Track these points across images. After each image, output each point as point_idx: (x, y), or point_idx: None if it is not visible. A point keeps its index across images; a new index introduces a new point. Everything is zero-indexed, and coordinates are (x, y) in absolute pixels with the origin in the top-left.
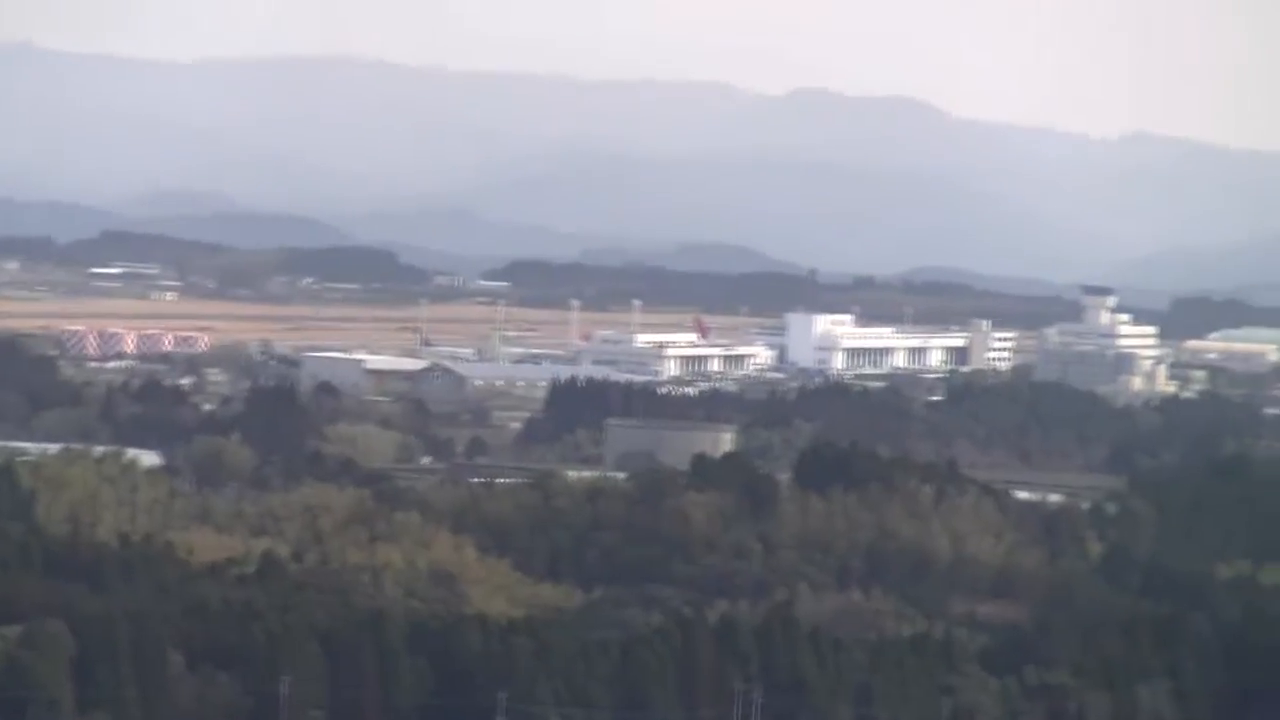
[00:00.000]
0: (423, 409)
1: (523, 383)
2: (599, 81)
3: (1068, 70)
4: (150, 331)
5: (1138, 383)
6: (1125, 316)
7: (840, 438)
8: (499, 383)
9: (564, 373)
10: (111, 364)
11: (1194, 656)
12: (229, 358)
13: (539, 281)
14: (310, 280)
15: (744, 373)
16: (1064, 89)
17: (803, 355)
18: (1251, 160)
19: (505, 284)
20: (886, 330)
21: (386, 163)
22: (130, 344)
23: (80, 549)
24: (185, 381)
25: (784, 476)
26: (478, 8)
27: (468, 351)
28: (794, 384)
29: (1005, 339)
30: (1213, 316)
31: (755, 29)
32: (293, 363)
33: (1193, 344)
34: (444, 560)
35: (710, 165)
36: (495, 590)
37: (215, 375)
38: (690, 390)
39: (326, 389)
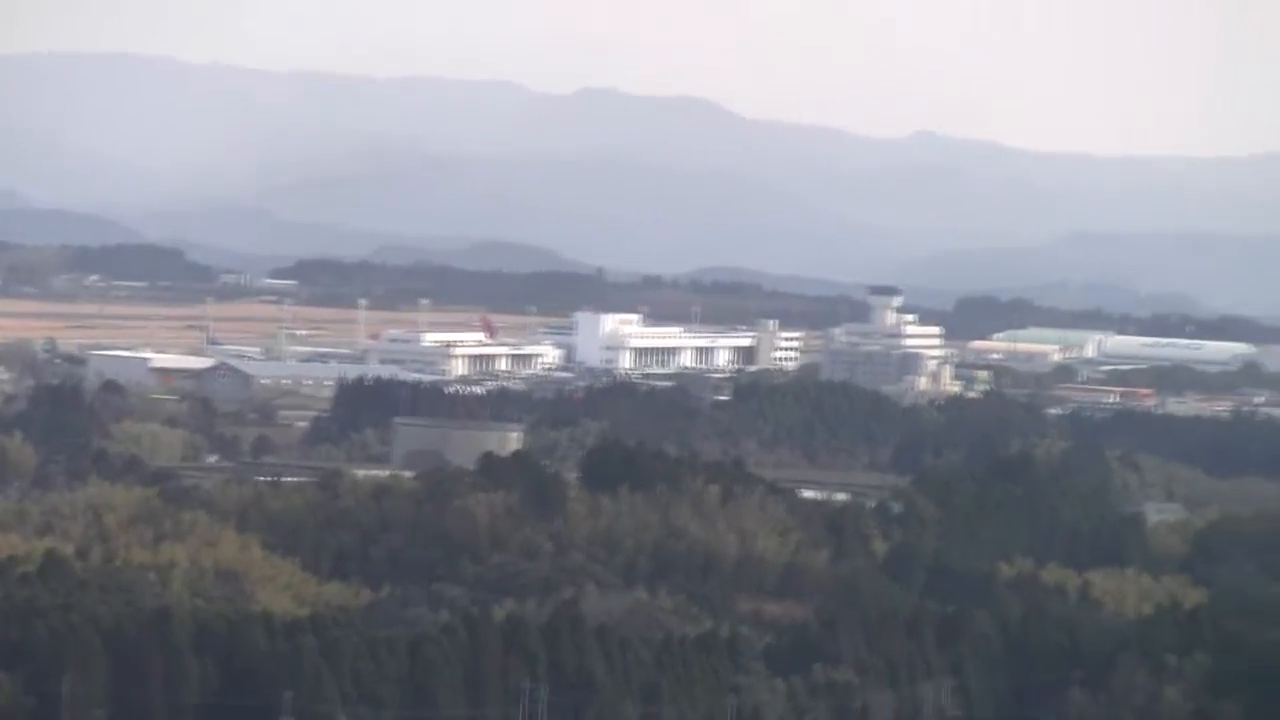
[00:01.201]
0: (209, 407)
1: (310, 381)
2: (390, 80)
3: (855, 70)
4: None
5: (923, 382)
6: (911, 316)
7: (627, 437)
8: (286, 381)
9: (351, 372)
10: None
11: (977, 654)
12: (13, 356)
13: (328, 280)
14: (96, 278)
15: (531, 372)
16: (851, 89)
17: (590, 355)
18: (1037, 161)
19: (293, 282)
20: (674, 330)
21: (176, 160)
22: None
23: None
24: None
25: (571, 476)
26: (268, 7)
27: (254, 350)
28: (581, 383)
29: (792, 339)
30: (997, 317)
31: (541, 28)
32: (78, 361)
33: (977, 344)
34: (230, 559)
35: (500, 164)
36: (281, 589)
37: None
38: (478, 389)
39: (112, 387)
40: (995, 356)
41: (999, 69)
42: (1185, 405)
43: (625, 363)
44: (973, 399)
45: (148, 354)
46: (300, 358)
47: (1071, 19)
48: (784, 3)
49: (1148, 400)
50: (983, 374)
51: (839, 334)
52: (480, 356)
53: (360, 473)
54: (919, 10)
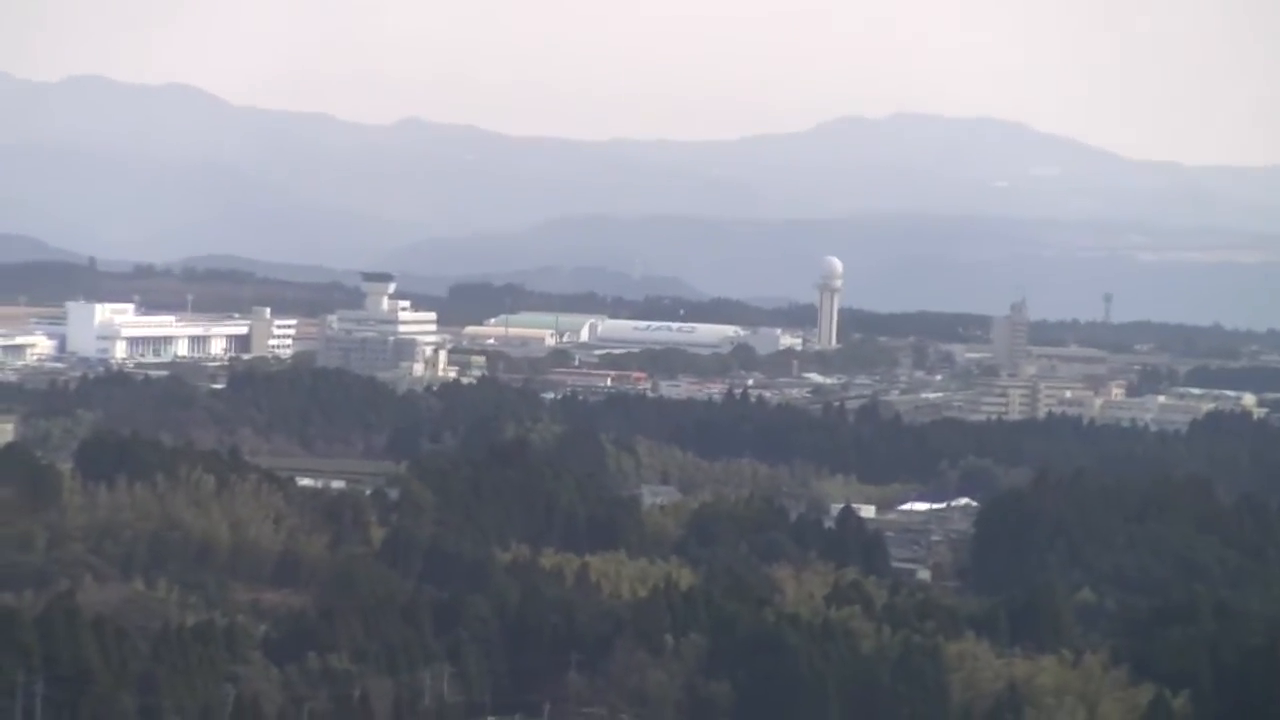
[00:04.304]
0: None
1: None
2: None
3: (340, 56)
4: None
5: (418, 368)
6: (405, 303)
7: (122, 427)
8: None
9: None
10: None
11: (475, 639)
12: None
13: None
14: None
15: (24, 363)
16: (337, 76)
17: (84, 345)
18: (521, 146)
19: None
20: (168, 319)
21: None
22: None
23: None
24: None
25: (66, 467)
26: None
27: None
28: (75, 374)
29: (287, 326)
30: (491, 302)
31: (27, 14)
32: None
33: (472, 329)
34: None
35: None
36: None
37: None
38: None
39: None
40: (490, 342)
41: (481, 56)
42: (678, 388)
43: (119, 352)
44: (468, 384)
45: None
46: None
47: (551, 3)
48: None
49: (641, 383)
50: (478, 359)
51: (333, 321)
52: None
53: None
54: None
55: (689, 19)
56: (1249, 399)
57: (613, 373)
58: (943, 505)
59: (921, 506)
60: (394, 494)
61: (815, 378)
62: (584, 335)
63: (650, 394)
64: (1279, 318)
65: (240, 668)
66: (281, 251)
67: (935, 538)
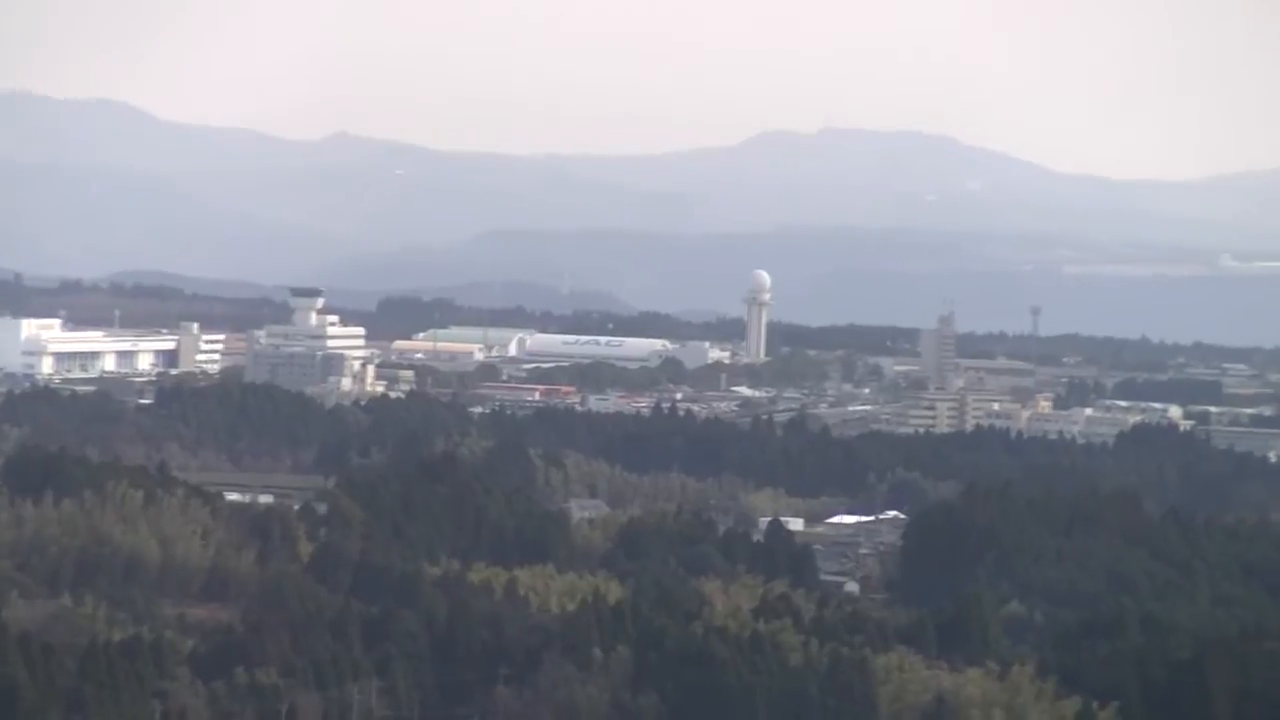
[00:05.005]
0: None
1: None
2: None
3: (270, 72)
4: None
5: (347, 383)
6: (334, 318)
7: (49, 442)
8: None
9: None
10: None
11: (404, 653)
12: None
13: None
14: None
15: None
16: (267, 92)
17: (9, 360)
18: (450, 161)
19: None
20: (95, 334)
21: None
22: None
23: None
24: None
25: None
26: None
27: None
28: (1, 390)
29: (215, 341)
30: (420, 316)
31: None
32: None
33: (401, 344)
34: None
35: None
36: None
37: None
38: None
39: None
40: (419, 356)
41: (412, 71)
42: (607, 402)
43: (46, 368)
44: (397, 399)
45: None
46: None
47: (482, 18)
48: (199, 4)
49: (570, 397)
50: (406, 374)
51: (262, 336)
52: None
53: None
54: (335, 12)
55: (619, 35)
56: (1175, 411)
57: (541, 387)
58: (871, 518)
59: (850, 519)
60: (323, 509)
61: (744, 391)
62: (513, 350)
63: (579, 408)
64: (1206, 331)
65: (168, 684)
66: (210, 267)
67: (864, 551)
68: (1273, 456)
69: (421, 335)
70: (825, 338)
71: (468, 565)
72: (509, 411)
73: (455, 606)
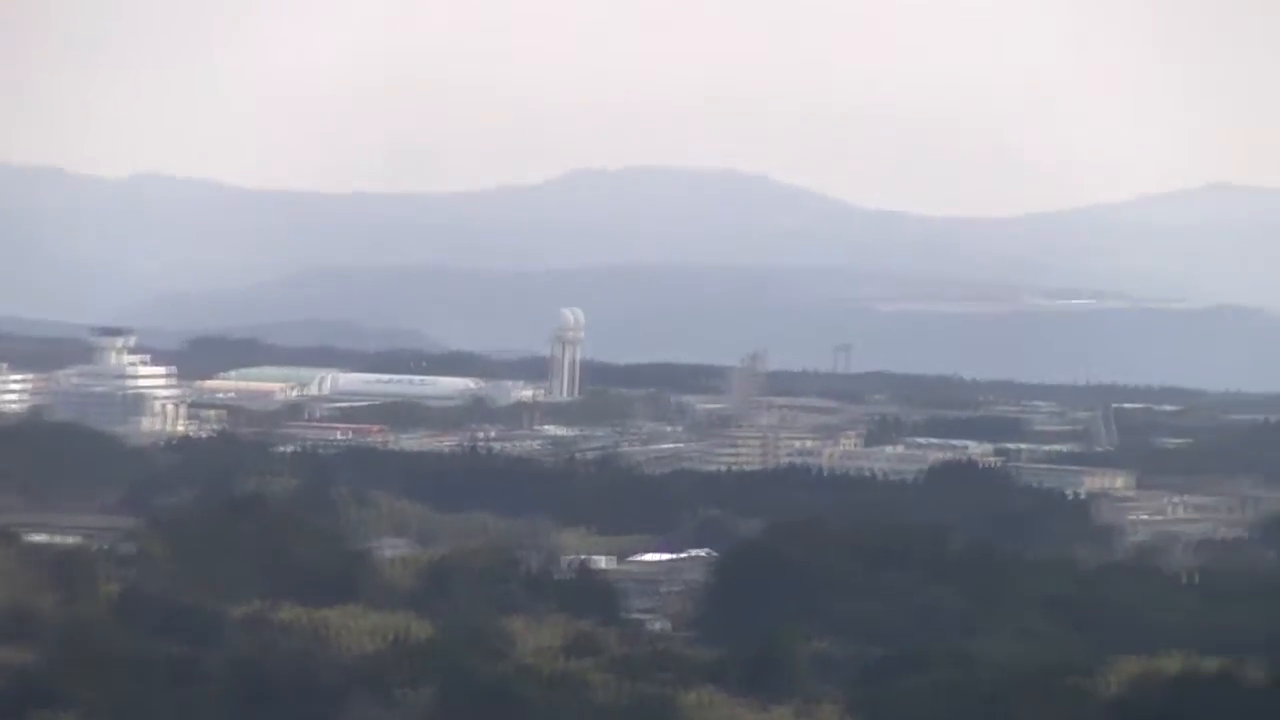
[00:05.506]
0: None
1: None
2: None
3: (77, 109)
4: None
5: (154, 423)
6: (141, 357)
7: None
8: None
9: None
10: None
11: (208, 695)
12: None
13: None
14: None
15: None
16: (71, 129)
17: None
18: (269, 201)
19: None
20: None
21: None
22: None
23: None
24: None
25: None
26: None
27: None
28: None
29: (21, 381)
30: (229, 355)
31: None
32: None
33: (208, 383)
34: None
35: None
36: None
37: None
38: None
39: None
40: (226, 395)
41: (219, 109)
42: (415, 440)
43: None
44: (203, 438)
45: None
46: None
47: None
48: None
49: (378, 436)
50: (213, 413)
51: (67, 376)
52: None
53: None
54: (142, 49)
55: (423, 69)
56: (980, 448)
57: (348, 426)
58: (679, 555)
59: (658, 557)
60: (128, 549)
61: (552, 430)
62: (321, 388)
63: (387, 447)
64: (1013, 368)
65: None
66: (15, 306)
67: (673, 588)
68: (1074, 493)
69: (228, 374)
70: (635, 376)
71: (276, 605)
72: (317, 451)
73: (261, 647)
